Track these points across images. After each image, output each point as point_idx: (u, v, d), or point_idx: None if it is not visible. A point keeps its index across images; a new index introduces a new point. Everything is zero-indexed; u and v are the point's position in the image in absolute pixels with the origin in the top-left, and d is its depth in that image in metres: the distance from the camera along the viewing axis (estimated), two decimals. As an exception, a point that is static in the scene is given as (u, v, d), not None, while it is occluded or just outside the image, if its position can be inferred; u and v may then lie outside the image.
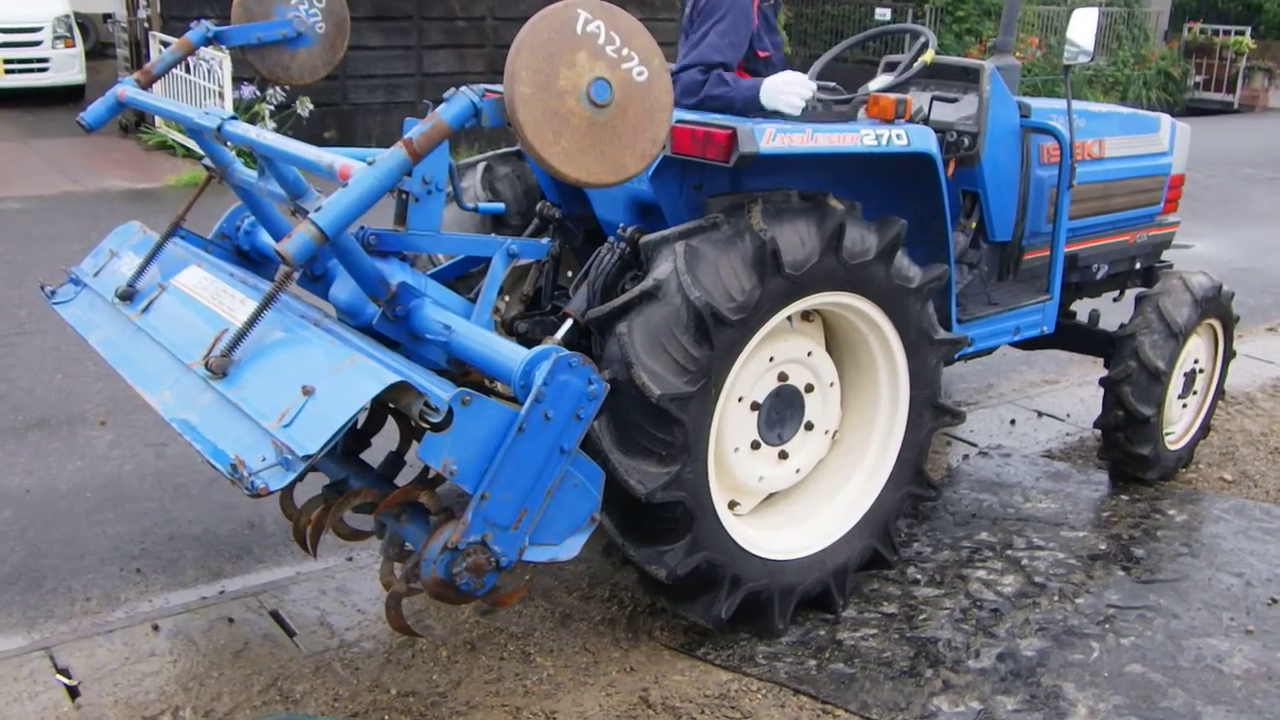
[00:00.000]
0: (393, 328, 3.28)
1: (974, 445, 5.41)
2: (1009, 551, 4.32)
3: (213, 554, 4.15)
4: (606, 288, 3.57)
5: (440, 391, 2.70)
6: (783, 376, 3.69)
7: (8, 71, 13.45)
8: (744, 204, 3.45)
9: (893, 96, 3.70)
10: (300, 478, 3.49)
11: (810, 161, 3.60)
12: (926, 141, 3.75)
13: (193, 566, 4.07)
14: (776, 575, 3.66)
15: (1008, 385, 6.32)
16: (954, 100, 4.39)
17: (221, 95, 11.01)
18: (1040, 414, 5.90)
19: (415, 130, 2.63)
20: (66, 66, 13.86)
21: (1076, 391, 6.15)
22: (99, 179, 10.66)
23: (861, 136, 3.57)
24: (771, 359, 3.63)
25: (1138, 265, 5.34)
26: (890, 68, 4.53)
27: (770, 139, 3.36)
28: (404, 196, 3.33)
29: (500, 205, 4.01)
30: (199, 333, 3.17)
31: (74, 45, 14.04)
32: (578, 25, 2.69)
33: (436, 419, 2.67)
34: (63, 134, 12.42)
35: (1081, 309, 5.32)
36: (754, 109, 3.75)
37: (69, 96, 13.77)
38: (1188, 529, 4.61)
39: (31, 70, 13.63)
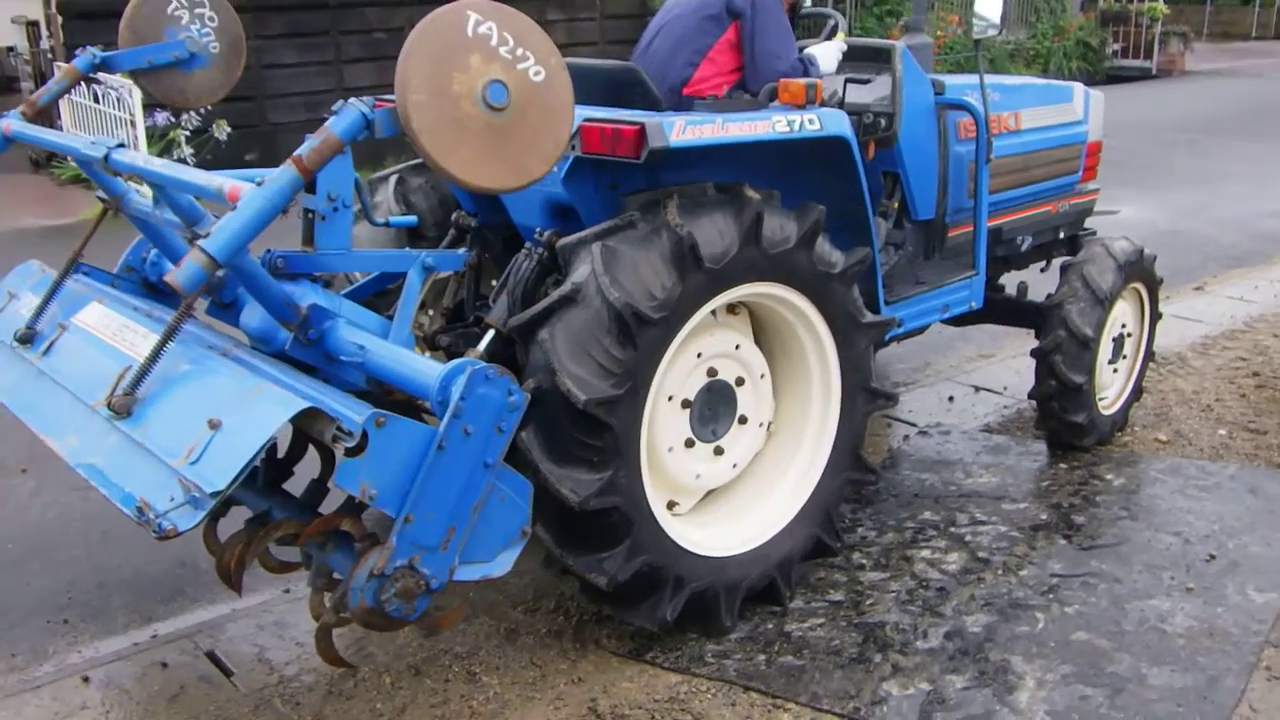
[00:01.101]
0: (307, 352, 3.17)
1: (913, 425, 5.40)
2: (952, 529, 4.31)
3: (144, 597, 4.02)
4: (527, 295, 3.50)
5: (353, 414, 2.61)
6: (712, 372, 3.63)
7: (-94, 108, 13.09)
8: (660, 200, 3.39)
9: (802, 81, 3.67)
10: (214, 515, 3.43)
11: (725, 153, 3.54)
12: (840, 125, 3.72)
13: (123, 612, 3.93)
14: (720, 572, 3.61)
15: (944, 362, 6.33)
16: (867, 82, 4.36)
17: (133, 123, 10.74)
18: (977, 389, 5.91)
19: (305, 147, 2.55)
20: (-29, 103, 13.52)
21: (1012, 364, 6.16)
22: (12, 218, 10.38)
23: (773, 124, 3.53)
24: (699, 355, 3.58)
25: (1062, 235, 5.36)
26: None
27: (680, 132, 3.31)
28: (310, 215, 3.23)
29: (413, 218, 3.93)
30: (102, 372, 3.05)
31: (-23, 79, 13.68)
32: (468, 27, 2.62)
33: (351, 443, 2.59)
34: (-30, 174, 12.10)
35: (1010, 282, 5.33)
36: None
37: (-24, 134, 13.40)
38: (1126, 492, 4.63)
39: (-66, 107, 13.28)
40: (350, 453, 2.59)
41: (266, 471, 3.40)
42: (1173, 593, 3.85)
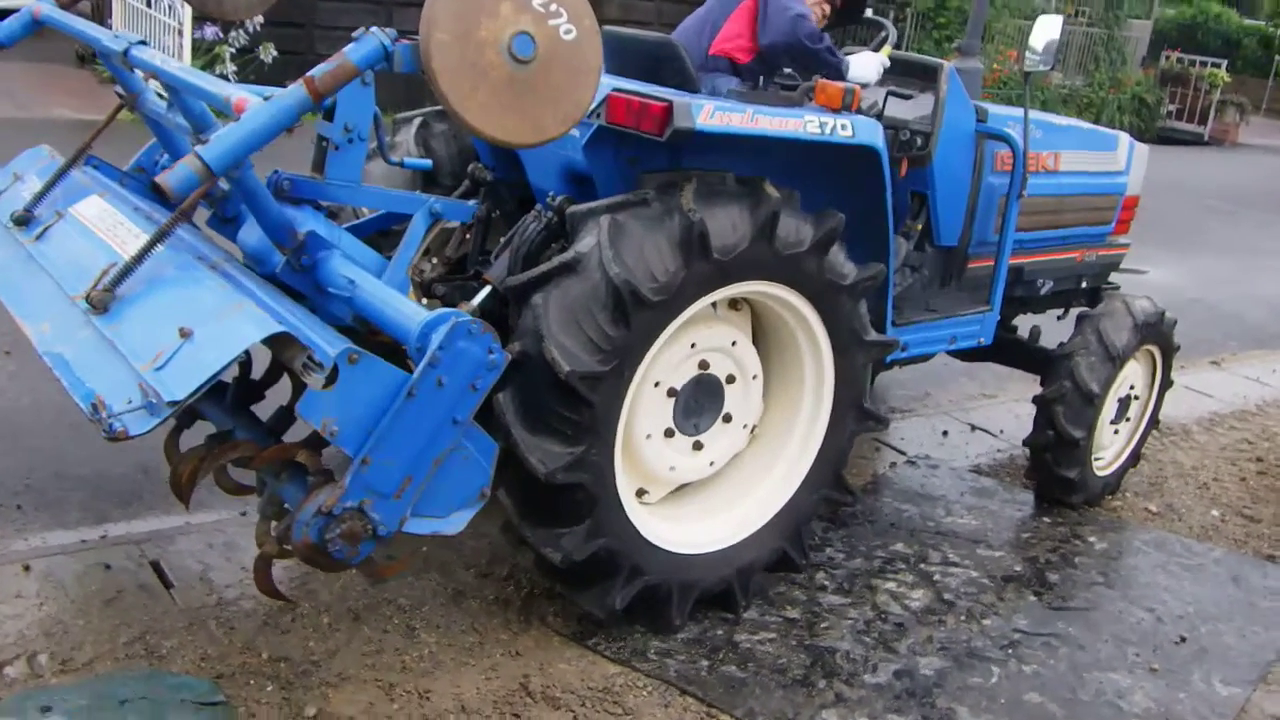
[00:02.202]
0: (298, 278, 3.12)
1: (903, 454, 5.32)
2: (922, 565, 4.23)
3: (100, 497, 3.98)
4: (529, 256, 3.43)
5: (327, 347, 2.55)
6: (704, 365, 3.56)
7: (-45, -9, 13.04)
8: (677, 182, 3.32)
9: (841, 85, 3.59)
10: (179, 425, 3.38)
11: (752, 144, 3.46)
12: (873, 135, 3.63)
13: (77, 508, 3.89)
14: (678, 569, 3.54)
15: (945, 396, 6.24)
16: (910, 98, 4.28)
17: (180, 32, 10.71)
18: (974, 427, 5.82)
19: (319, 69, 2.48)
20: (18, -11, 13.46)
21: (1014, 408, 6.07)
22: (46, 107, 10.34)
23: (805, 123, 3.45)
24: (693, 345, 3.51)
25: (1084, 284, 5.27)
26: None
27: (708, 116, 3.23)
28: (324, 143, 3.17)
29: (427, 162, 3.85)
30: (88, 265, 2.99)
31: (34, -27, 13.62)
32: (505, -27, 2.54)
33: (320, 375, 2.53)
34: (14, 59, 12.03)
35: (1024, 324, 5.24)
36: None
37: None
38: (1106, 558, 4.54)
39: (-19, -13, 13.22)
40: (320, 385, 2.53)
41: (237, 390, 3.35)
42: (1136, 670, 3.76)
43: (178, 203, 2.53)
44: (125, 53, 3.01)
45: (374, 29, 2.52)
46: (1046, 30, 4.37)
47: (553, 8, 2.60)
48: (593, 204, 3.29)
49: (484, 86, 2.54)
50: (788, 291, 3.53)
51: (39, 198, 3.47)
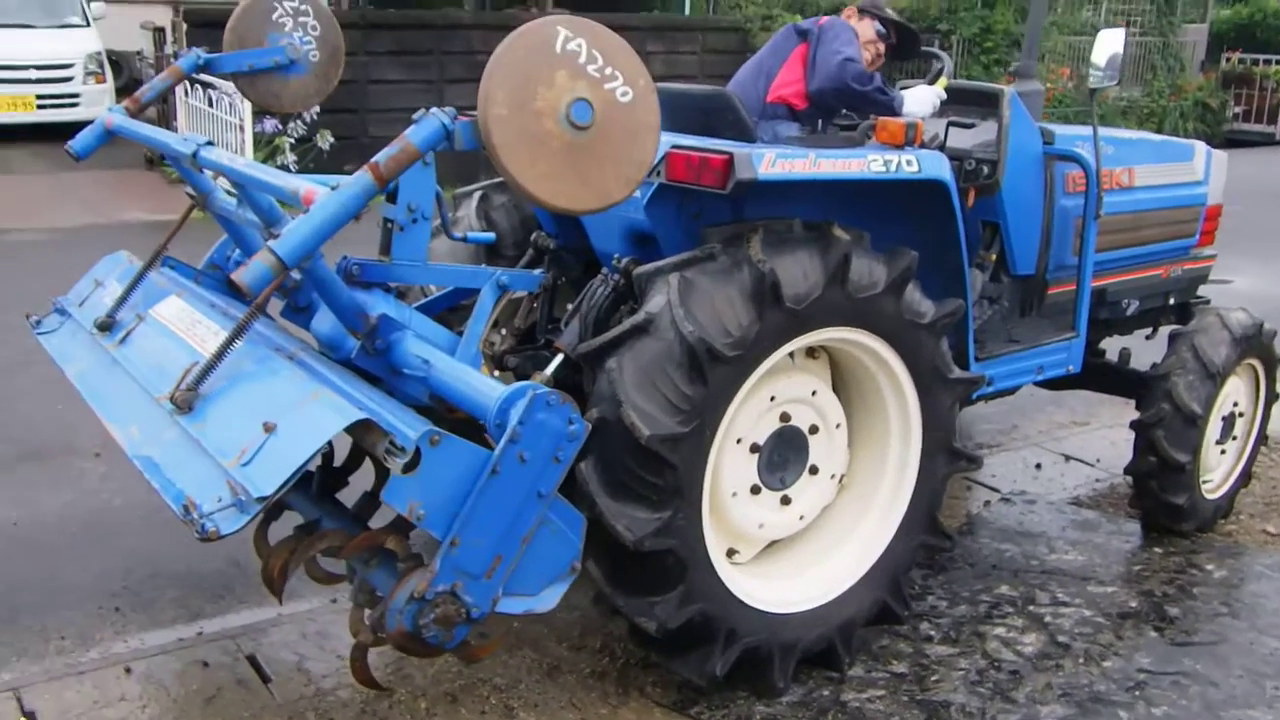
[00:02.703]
0: (373, 362, 3.13)
1: (996, 491, 5.16)
2: (1031, 607, 4.08)
3: (194, 593, 4.00)
4: (599, 321, 3.40)
5: (408, 430, 2.53)
6: (785, 417, 3.49)
7: (39, 107, 13.53)
8: (743, 234, 3.28)
9: (902, 121, 3.53)
10: (266, 518, 3.38)
11: (816, 189, 3.42)
12: (939, 168, 3.56)
13: (172, 606, 3.92)
14: (777, 630, 3.45)
15: (1033, 427, 6.07)
16: (971, 126, 4.20)
17: (242, 128, 10.99)
18: (1068, 458, 5.64)
19: (382, 154, 2.49)
20: (97, 102, 13.87)
21: (1107, 434, 5.89)
22: (120, 211, 10.66)
23: (869, 162, 3.40)
24: (773, 398, 3.44)
25: (1171, 301, 5.10)
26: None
27: (770, 165, 3.19)
28: (389, 225, 3.19)
29: (490, 235, 3.86)
30: (171, 365, 3.04)
31: (104, 81, 14.12)
32: (557, 43, 2.55)
33: (403, 459, 2.51)
34: (88, 168, 12.43)
35: (1111, 347, 5.08)
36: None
37: (98, 131, 13.83)
38: (1227, 586, 4.33)
39: (62, 105, 13.69)
40: (402, 469, 2.51)
41: (321, 479, 3.35)
42: (1276, 704, 3.56)
43: (253, 298, 2.54)
44: (194, 155, 3.06)
45: (433, 110, 2.53)
46: (1109, 44, 4.27)
47: (608, 71, 2.59)
48: (659, 263, 3.26)
49: (544, 156, 2.53)
50: (865, 335, 3.45)
51: (120, 302, 3.54)
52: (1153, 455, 4.51)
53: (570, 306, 3.61)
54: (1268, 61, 20.20)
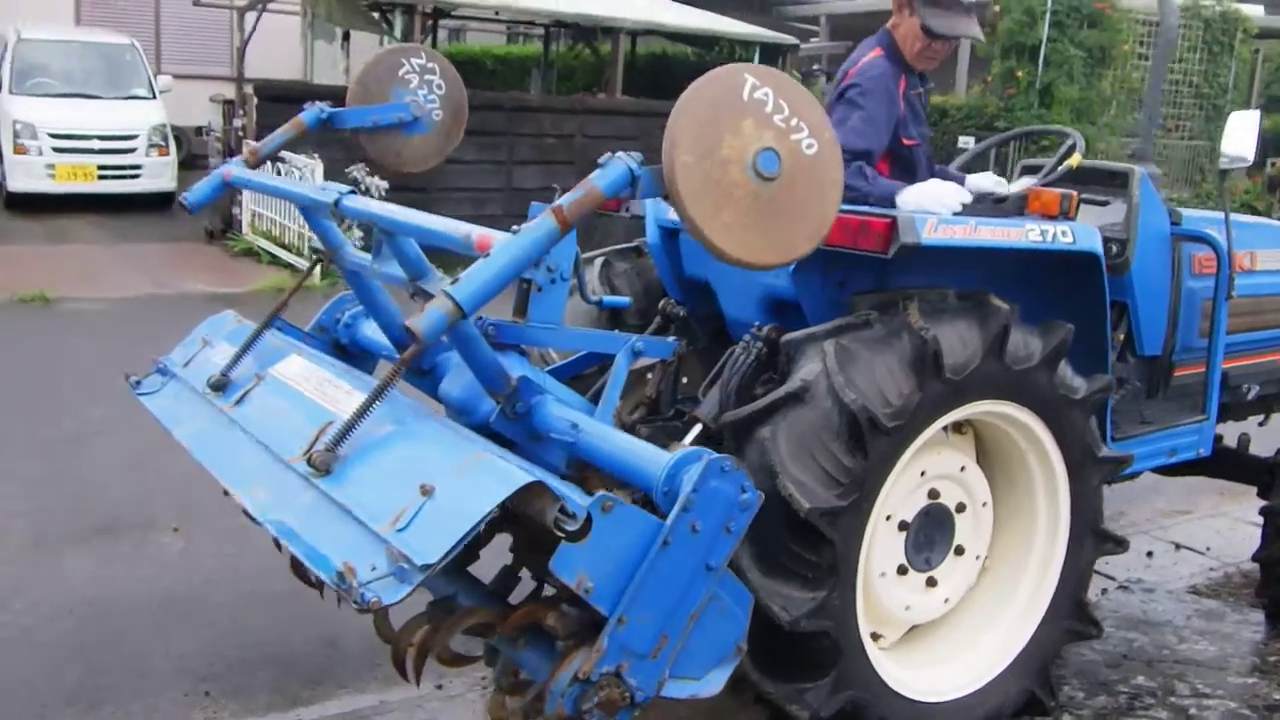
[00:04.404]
0: (511, 426, 2.96)
1: (1111, 579, 4.94)
2: (1172, 699, 3.85)
3: (289, 676, 3.80)
4: (741, 390, 3.25)
5: (577, 497, 2.36)
6: (934, 494, 3.32)
7: (101, 177, 13.57)
8: (896, 302, 3.13)
9: (1057, 191, 3.41)
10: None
11: (963, 259, 3.28)
12: (1093, 241, 3.43)
13: (266, 690, 3.71)
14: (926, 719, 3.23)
15: (1138, 514, 5.84)
16: (1101, 204, 4.08)
17: (308, 200, 10.99)
18: (1178, 546, 5.42)
19: (566, 198, 2.35)
20: (159, 174, 13.98)
21: (1211, 523, 5.67)
22: (181, 283, 10.62)
23: (1026, 232, 3.26)
24: (923, 473, 3.27)
25: (1287, 387, 4.92)
26: (1030, 170, 4.22)
27: (932, 230, 3.06)
28: (525, 285, 3.06)
29: (626, 300, 3.73)
30: (299, 426, 2.88)
31: (168, 154, 14.15)
32: (745, 91, 2.43)
33: (574, 527, 2.33)
34: (150, 239, 12.50)
35: (1228, 432, 4.88)
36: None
37: (159, 203, 13.87)
38: (1368, 679, 4.10)
39: (124, 177, 13.74)
40: (571, 537, 2.33)
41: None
42: None
43: (426, 345, 2.38)
44: (336, 203, 2.93)
45: (619, 154, 2.40)
46: (1243, 125, 4.15)
47: (794, 122, 2.46)
48: (811, 330, 3.12)
49: (729, 207, 2.39)
50: (1019, 410, 3.29)
51: (235, 361, 3.39)
52: (1285, 543, 4.30)
53: (710, 375, 3.46)
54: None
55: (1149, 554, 5.30)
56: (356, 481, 2.58)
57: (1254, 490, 4.86)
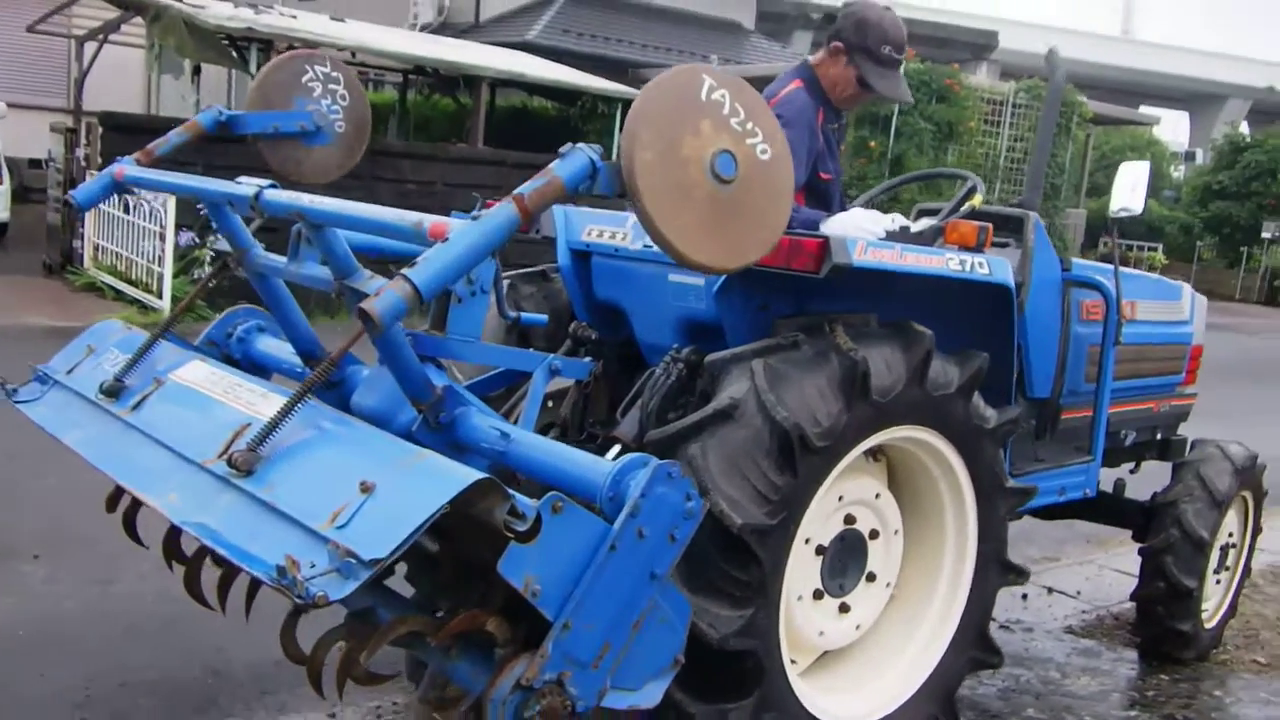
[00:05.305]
0: (434, 436, 2.85)
1: (993, 619, 5.02)
2: (1064, 731, 3.93)
3: (172, 705, 3.55)
4: (661, 411, 3.23)
5: (527, 497, 2.28)
6: (850, 519, 3.33)
7: (-77, 207, 12.80)
8: (819, 325, 3.16)
9: (974, 224, 3.50)
10: (297, 612, 3.02)
11: (881, 286, 3.34)
12: (1007, 274, 3.53)
13: (148, 718, 3.45)
14: (841, 745, 3.22)
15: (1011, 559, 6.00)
16: (999, 247, 4.21)
17: (163, 236, 10.59)
18: (1050, 590, 5.58)
19: (526, 187, 2.30)
20: (-10, 204, 13.28)
21: (1079, 570, 5.87)
22: (18, 316, 10.05)
23: (948, 261, 3.34)
24: (840, 498, 3.28)
25: (1158, 435, 5.15)
26: (928, 213, 4.34)
27: (862, 252, 3.10)
28: (445, 297, 2.98)
29: (543, 317, 3.66)
30: (211, 429, 2.73)
31: (1, 183, 13.46)
32: (702, 91, 2.43)
33: (523, 528, 2.25)
34: (-16, 272, 11.84)
35: (1104, 479, 5.08)
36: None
37: (-10, 234, 13.15)
38: (1240, 711, 4.28)
39: (-49, 207, 13.00)
40: (519, 539, 2.25)
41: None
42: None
43: (383, 331, 2.26)
44: (258, 197, 2.80)
45: (580, 145, 2.36)
46: (1131, 176, 4.37)
47: (749, 126, 2.47)
48: (736, 350, 3.11)
49: (689, 208, 2.38)
50: (936, 437, 3.34)
51: (129, 367, 3.20)
52: (1161, 581, 4.48)
53: (629, 396, 3.42)
54: (1141, 247, 21.54)
55: (1024, 596, 5.44)
56: (284, 481, 2.45)
57: (1118, 539, 5.07)
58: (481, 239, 2.23)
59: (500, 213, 2.26)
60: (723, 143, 2.43)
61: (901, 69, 4.01)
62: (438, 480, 2.24)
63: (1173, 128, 45.17)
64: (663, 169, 2.35)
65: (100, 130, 11.76)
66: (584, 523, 2.33)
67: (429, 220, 2.33)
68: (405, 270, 2.17)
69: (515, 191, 2.28)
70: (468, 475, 2.23)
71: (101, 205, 11.37)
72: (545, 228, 3.93)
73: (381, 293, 2.15)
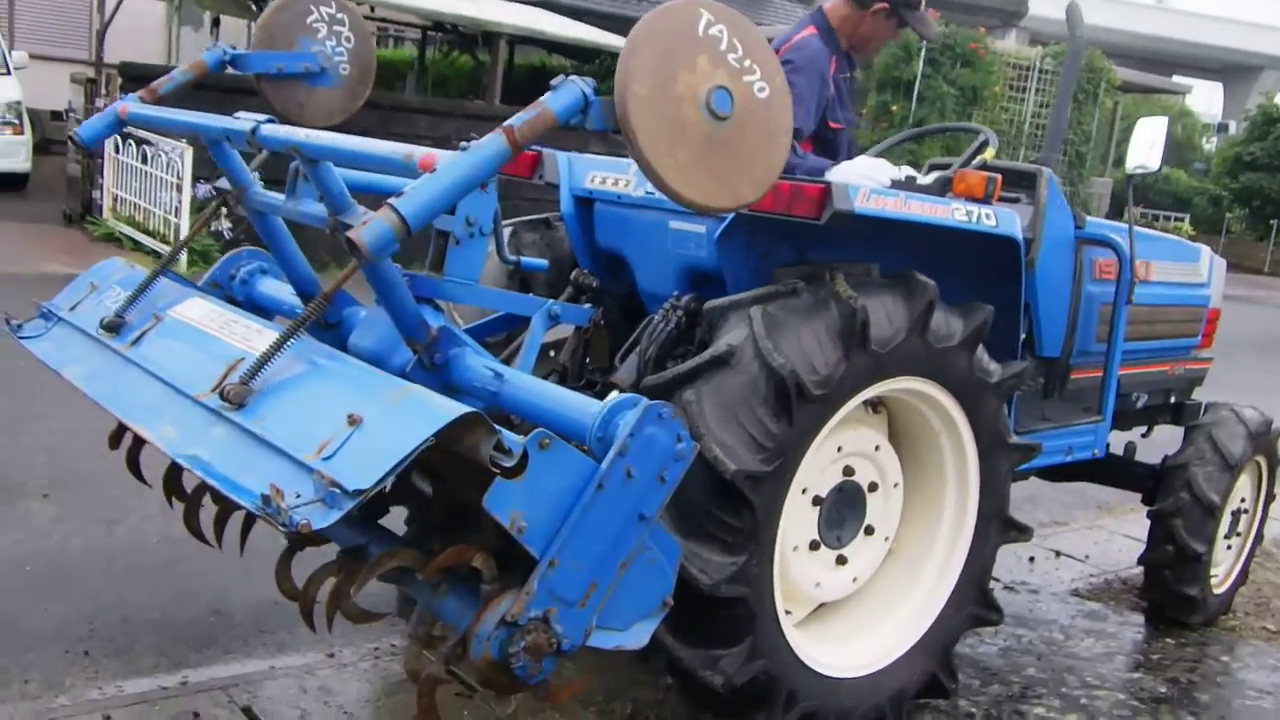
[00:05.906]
0: (429, 376, 2.84)
1: (997, 579, 5.00)
2: (1063, 690, 3.91)
3: (173, 641, 3.58)
4: (660, 358, 3.21)
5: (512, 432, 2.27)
6: (848, 471, 3.31)
7: (-55, 155, 12.84)
8: (820, 274, 3.12)
9: (982, 175, 3.45)
10: (292, 549, 3.03)
11: (885, 235, 3.30)
12: (1014, 227, 3.49)
13: (150, 653, 3.50)
14: (833, 695, 3.21)
15: (1019, 523, 5.98)
16: (1010, 203, 4.15)
17: (180, 187, 10.61)
18: (1058, 553, 5.54)
19: (517, 118, 2.27)
20: (13, 154, 13.23)
21: (1089, 534, 5.83)
22: (38, 263, 10.11)
23: (953, 211, 3.30)
24: (839, 449, 3.26)
25: (1172, 399, 5.09)
26: (939, 168, 4.28)
27: (864, 199, 3.06)
28: (442, 239, 2.96)
29: (543, 262, 3.64)
30: (206, 363, 2.72)
31: (22, 133, 13.46)
32: (700, 26, 2.38)
33: (509, 463, 2.24)
34: (5, 219, 11.87)
35: (1115, 442, 5.03)
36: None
37: (12, 184, 13.16)
38: (1248, 676, 4.24)
39: (-28, 156, 13.03)
40: (506, 474, 2.24)
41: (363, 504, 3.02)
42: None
43: (370, 261, 2.24)
44: (254, 131, 2.78)
45: (573, 77, 2.33)
46: (1150, 132, 4.29)
47: (746, 63, 2.43)
48: (735, 297, 3.09)
49: (683, 145, 2.34)
50: (937, 389, 3.31)
51: (129, 303, 3.20)
52: (1169, 545, 4.43)
53: (628, 343, 3.41)
54: (1168, 217, 21.22)
55: (1031, 559, 5.40)
56: (274, 414, 2.45)
57: (1128, 505, 5.01)
58: (470, 170, 2.20)
59: (489, 144, 2.23)
60: (719, 79, 2.39)
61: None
62: (424, 414, 2.23)
63: (1206, 99, 44.46)
64: (656, 104, 2.32)
65: (120, 81, 11.77)
66: (571, 460, 2.31)
67: (419, 152, 2.30)
68: (392, 200, 2.15)
69: (505, 123, 2.25)
70: (454, 409, 2.22)
71: (120, 156, 11.40)
72: (549, 174, 3.90)
73: (369, 222, 2.13)
